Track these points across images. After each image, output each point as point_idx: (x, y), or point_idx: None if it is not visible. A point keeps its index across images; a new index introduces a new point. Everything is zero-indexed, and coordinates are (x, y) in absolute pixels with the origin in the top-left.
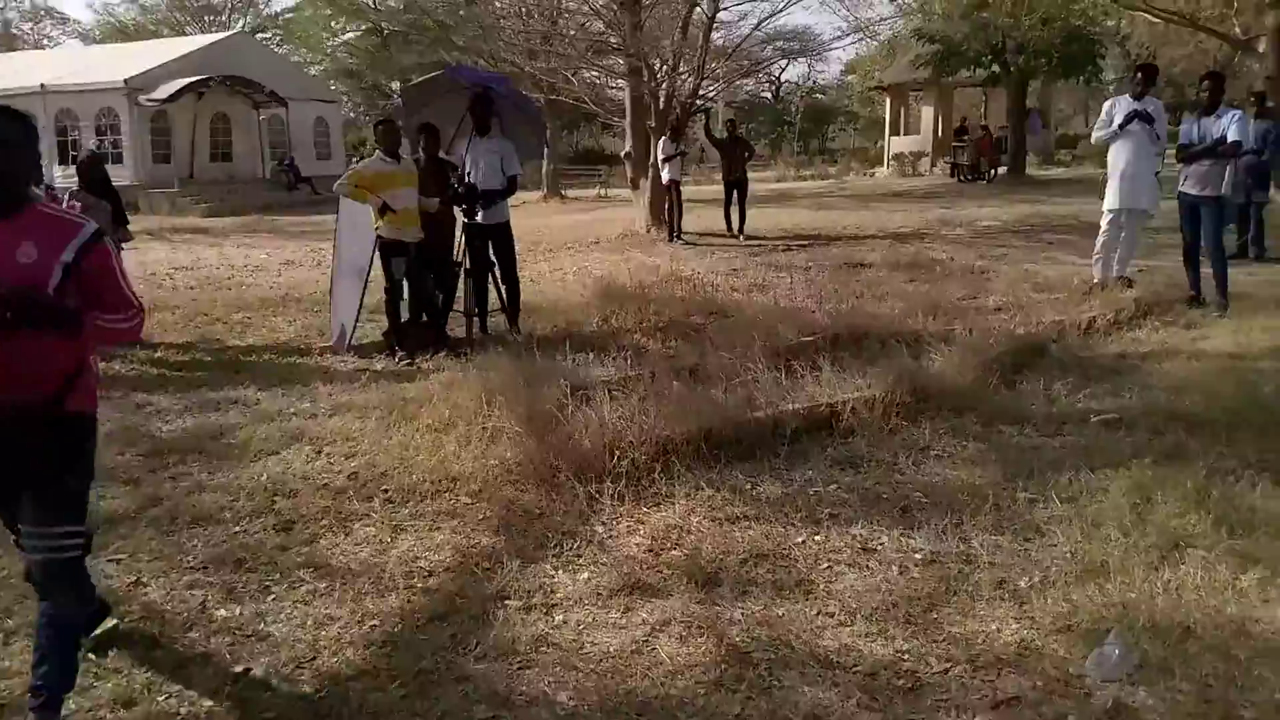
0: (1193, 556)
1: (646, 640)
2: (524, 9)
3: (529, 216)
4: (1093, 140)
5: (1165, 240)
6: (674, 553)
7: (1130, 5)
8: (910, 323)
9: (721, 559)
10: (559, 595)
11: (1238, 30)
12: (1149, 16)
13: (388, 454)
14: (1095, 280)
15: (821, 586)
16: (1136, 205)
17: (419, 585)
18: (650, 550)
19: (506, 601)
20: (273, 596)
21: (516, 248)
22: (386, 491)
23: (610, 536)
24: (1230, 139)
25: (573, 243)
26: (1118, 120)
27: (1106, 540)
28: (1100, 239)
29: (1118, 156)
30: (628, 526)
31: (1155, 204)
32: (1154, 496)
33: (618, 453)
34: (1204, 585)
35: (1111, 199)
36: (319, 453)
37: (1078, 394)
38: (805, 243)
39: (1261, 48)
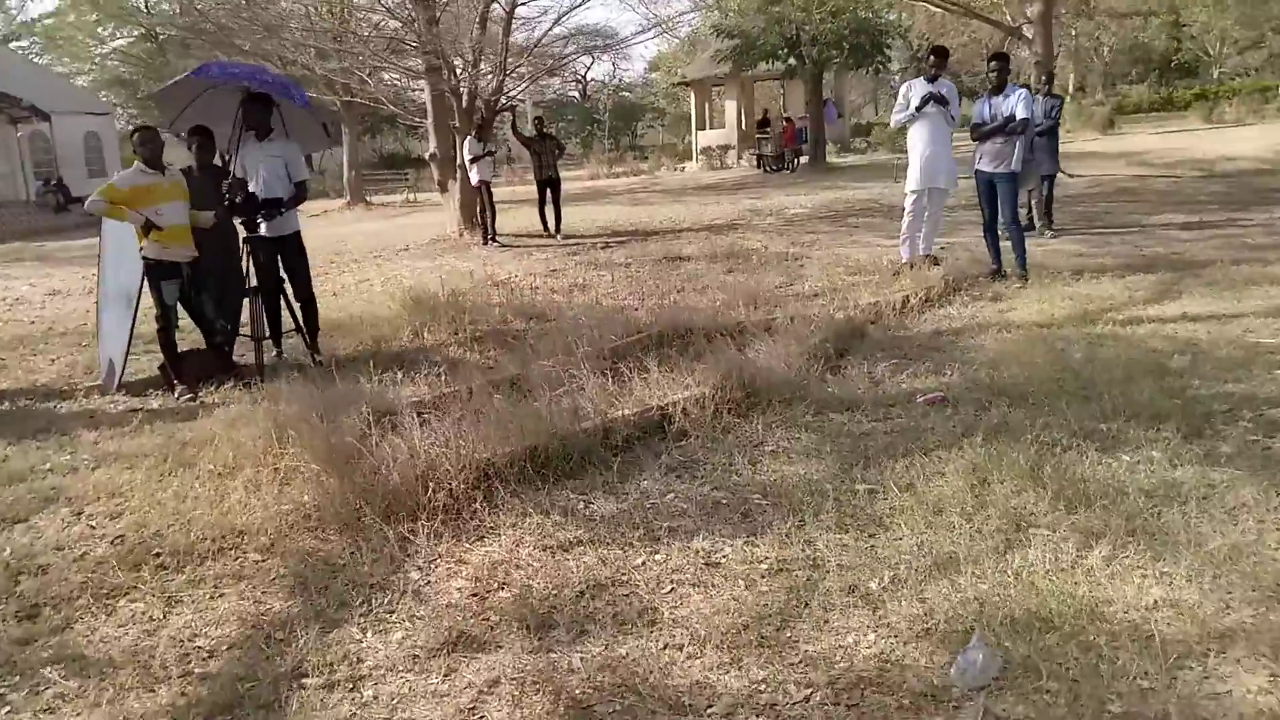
0: (1037, 537)
1: (473, 707)
2: (310, 8)
3: (331, 225)
4: (892, 124)
5: (963, 217)
6: (501, 594)
7: None
8: (733, 314)
9: (555, 595)
10: (367, 664)
11: (1009, 18)
12: (928, 6)
13: (161, 510)
14: (904, 260)
15: (666, 614)
16: (936, 184)
17: (196, 671)
18: (474, 595)
19: (304, 680)
20: (7, 708)
21: (315, 260)
22: (159, 556)
23: (427, 583)
24: (1019, 116)
25: (380, 251)
26: (914, 103)
27: (950, 528)
28: (906, 220)
29: (916, 138)
30: (447, 569)
31: (954, 183)
32: (990, 476)
33: (432, 484)
34: (1053, 568)
35: (913, 180)
36: (78, 515)
37: (901, 374)
38: (623, 239)
39: (1030, 33)
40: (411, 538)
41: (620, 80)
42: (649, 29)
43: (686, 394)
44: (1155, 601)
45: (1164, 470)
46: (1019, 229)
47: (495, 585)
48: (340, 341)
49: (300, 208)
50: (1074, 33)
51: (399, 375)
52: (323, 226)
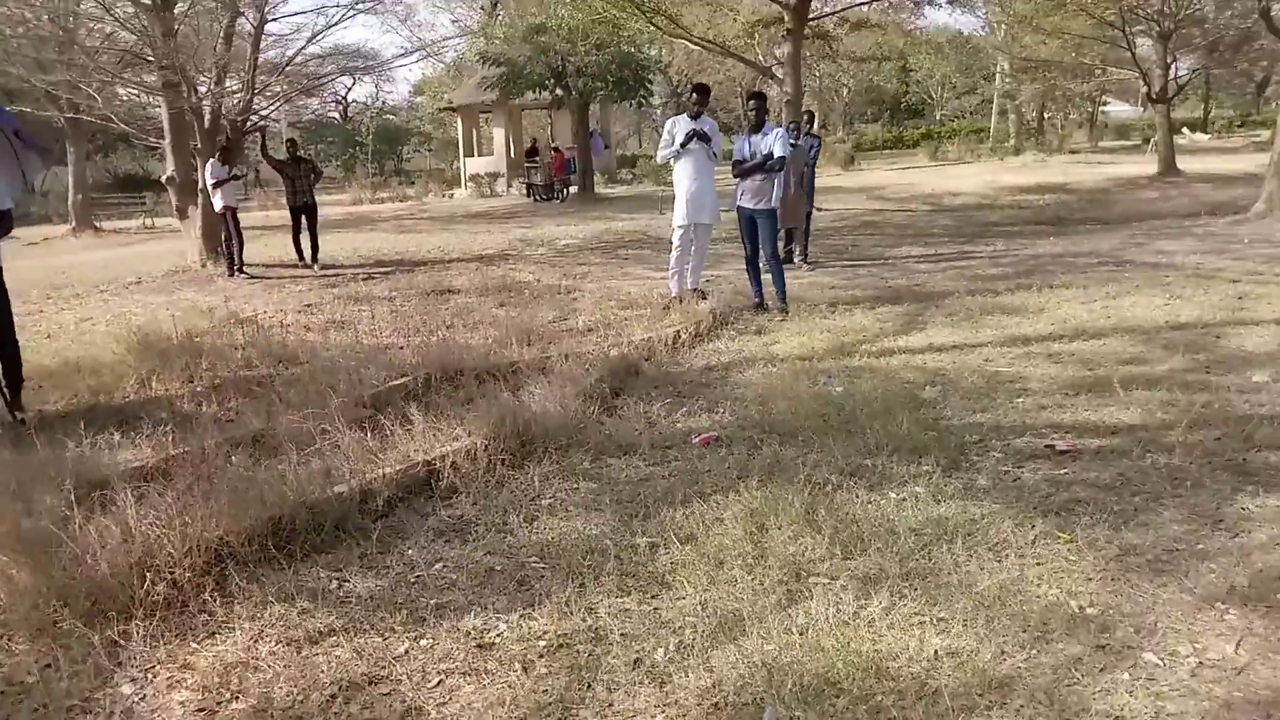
0: (818, 587)
1: None
2: (26, 13)
3: (52, 254)
4: (658, 159)
5: (725, 250)
6: (235, 706)
7: (672, 33)
8: (506, 353)
9: (300, 703)
10: None
11: (760, 58)
12: (687, 44)
13: None
14: (673, 294)
15: (433, 713)
16: (701, 220)
17: None
18: (201, 709)
19: None
20: None
21: (29, 295)
22: None
23: (142, 699)
24: (777, 154)
25: (108, 284)
26: (679, 139)
27: (733, 583)
28: (674, 254)
29: (682, 174)
30: (169, 678)
31: (718, 217)
32: (768, 521)
33: (150, 574)
34: (836, 622)
35: (680, 215)
36: None
37: (676, 413)
38: (388, 269)
39: (781, 74)
40: (123, 642)
41: (384, 103)
42: (412, 52)
43: (456, 446)
44: (936, 652)
45: (929, 506)
46: (779, 263)
47: (228, 695)
48: (51, 394)
49: (9, 236)
50: (818, 74)
51: (117, 436)
52: (42, 256)
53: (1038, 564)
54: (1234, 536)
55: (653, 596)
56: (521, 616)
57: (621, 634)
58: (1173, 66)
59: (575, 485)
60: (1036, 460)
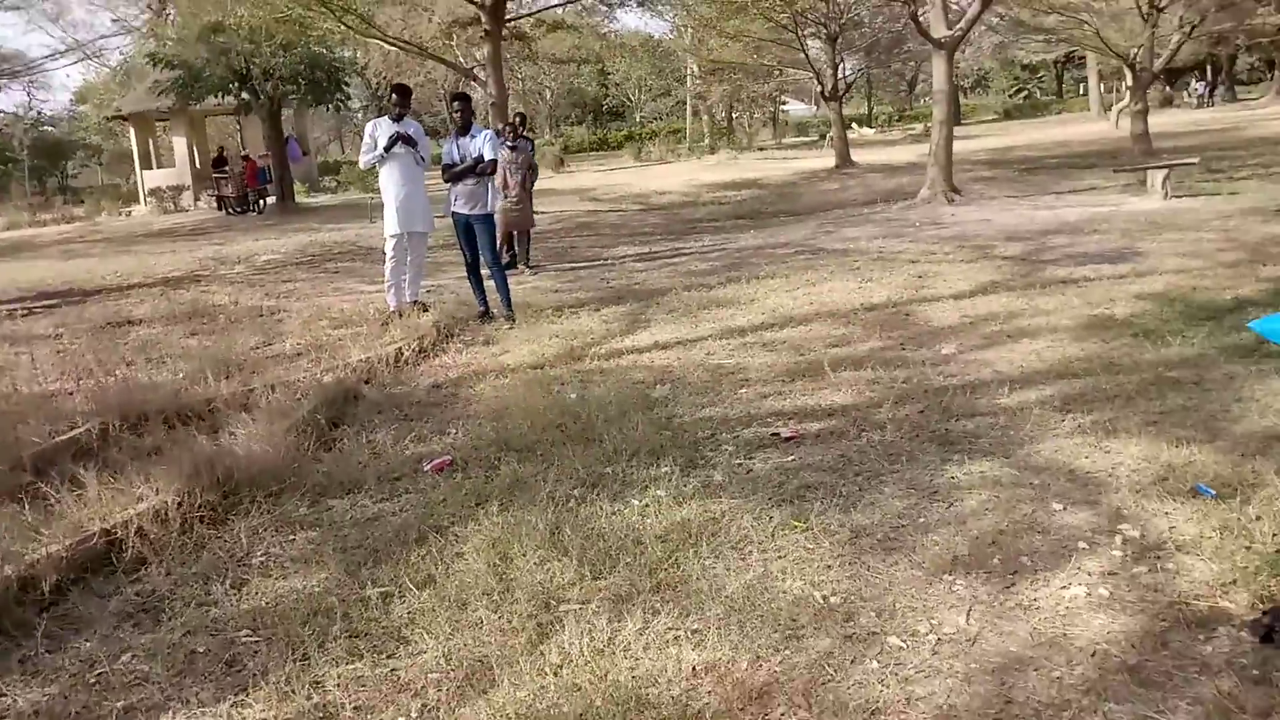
0: (569, 616)
1: None
2: None
3: None
4: (361, 165)
5: (444, 258)
6: None
7: (365, 33)
8: (200, 389)
9: None
10: None
11: (461, 59)
12: (383, 45)
13: None
14: (391, 309)
15: None
16: (414, 228)
17: None
18: None
19: None
20: None
21: None
22: None
23: None
24: (488, 157)
25: None
26: (382, 143)
27: (478, 626)
28: (388, 266)
29: (389, 180)
30: None
31: (432, 225)
32: (511, 550)
33: None
34: (590, 652)
35: (391, 224)
36: None
37: (404, 439)
38: (53, 302)
39: (483, 75)
40: None
41: (39, 113)
42: (65, 53)
43: (141, 507)
44: (694, 668)
45: (671, 510)
46: (501, 269)
47: None
48: None
49: None
50: (521, 76)
51: None
52: None
53: (780, 557)
54: (949, 506)
55: (389, 656)
56: (233, 706)
57: (355, 707)
58: (840, 67)
59: (291, 537)
60: (765, 449)
